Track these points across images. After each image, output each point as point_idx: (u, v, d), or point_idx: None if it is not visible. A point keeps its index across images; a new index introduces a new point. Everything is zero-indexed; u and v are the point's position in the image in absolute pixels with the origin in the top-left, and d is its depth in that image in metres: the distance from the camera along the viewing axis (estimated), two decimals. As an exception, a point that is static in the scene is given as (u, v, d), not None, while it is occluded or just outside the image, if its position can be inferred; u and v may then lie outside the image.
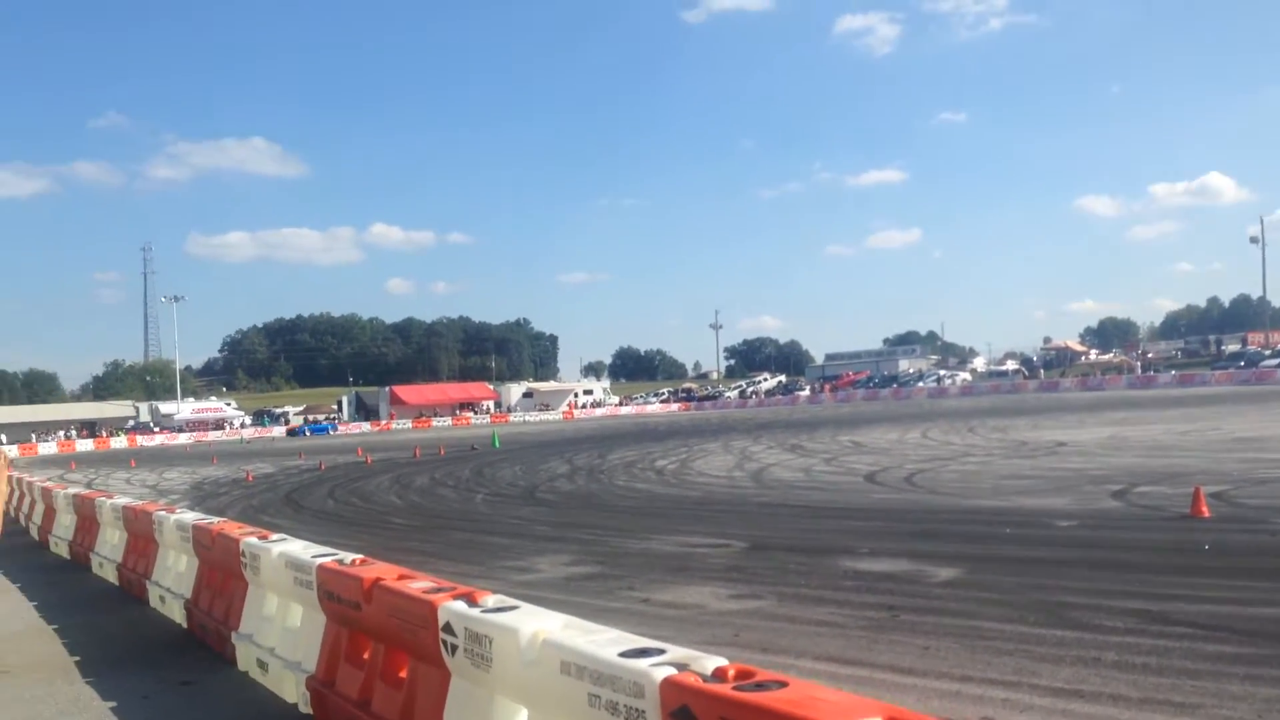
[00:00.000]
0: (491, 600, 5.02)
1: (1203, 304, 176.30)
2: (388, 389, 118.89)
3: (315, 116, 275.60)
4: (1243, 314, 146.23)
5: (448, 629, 4.92)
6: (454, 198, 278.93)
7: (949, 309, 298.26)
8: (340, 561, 6.43)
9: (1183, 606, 8.27)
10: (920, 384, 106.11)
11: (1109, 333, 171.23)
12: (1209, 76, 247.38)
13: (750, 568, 11.43)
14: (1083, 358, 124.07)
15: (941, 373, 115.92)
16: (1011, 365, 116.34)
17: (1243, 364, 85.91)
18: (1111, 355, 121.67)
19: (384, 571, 5.96)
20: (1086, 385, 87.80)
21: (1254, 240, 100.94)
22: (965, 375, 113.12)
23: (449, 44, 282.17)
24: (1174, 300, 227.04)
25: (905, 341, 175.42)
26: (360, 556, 6.52)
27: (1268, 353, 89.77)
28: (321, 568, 6.39)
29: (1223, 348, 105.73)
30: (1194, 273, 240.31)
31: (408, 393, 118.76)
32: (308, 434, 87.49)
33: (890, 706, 3.10)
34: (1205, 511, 12.95)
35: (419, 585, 5.52)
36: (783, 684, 3.37)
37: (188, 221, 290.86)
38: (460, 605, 4.95)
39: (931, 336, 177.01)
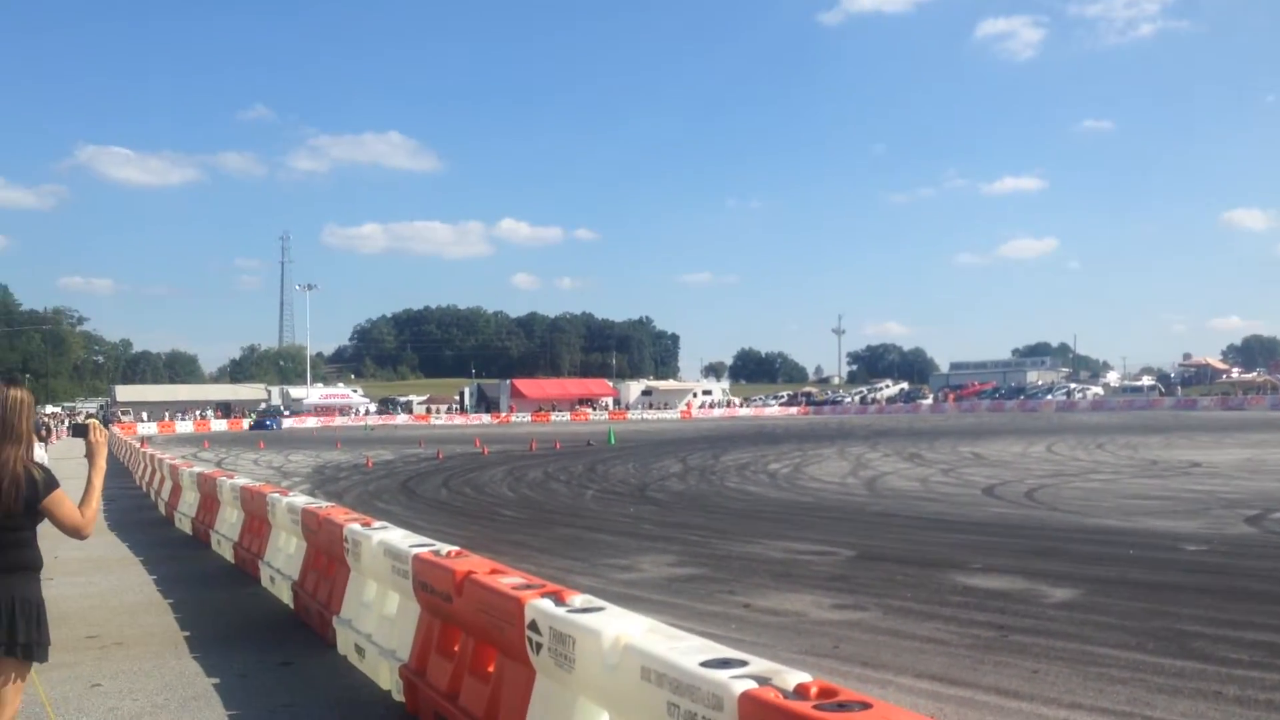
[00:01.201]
0: (579, 600, 4.95)
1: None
2: (509, 382, 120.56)
3: (450, 112, 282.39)
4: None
5: (533, 627, 4.87)
6: (583, 195, 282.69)
7: (1083, 321, 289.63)
8: (436, 552, 6.44)
9: (1317, 643, 7.78)
10: (1048, 397, 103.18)
11: (1254, 351, 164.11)
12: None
13: (856, 577, 11.16)
14: (1224, 376, 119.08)
15: (1072, 386, 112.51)
16: (1147, 381, 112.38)
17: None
18: (1255, 375, 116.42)
19: (477, 565, 5.95)
20: (1227, 405, 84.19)
21: None
22: (1097, 390, 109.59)
23: (583, 43, 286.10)
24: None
25: (1035, 353, 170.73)
26: (456, 548, 6.52)
27: None
28: (417, 558, 6.41)
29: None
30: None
31: (528, 386, 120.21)
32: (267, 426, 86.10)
33: (979, 736, 2.92)
34: (1348, 542, 12.21)
35: (509, 581, 5.49)
36: (866, 705, 3.22)
37: (325, 212, 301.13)
38: (547, 603, 4.89)
39: (1063, 349, 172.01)
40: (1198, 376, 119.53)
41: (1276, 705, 6.27)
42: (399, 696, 6.45)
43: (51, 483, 4.27)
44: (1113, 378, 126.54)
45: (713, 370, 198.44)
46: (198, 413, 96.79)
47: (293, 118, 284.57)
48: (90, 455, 4.53)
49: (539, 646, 4.81)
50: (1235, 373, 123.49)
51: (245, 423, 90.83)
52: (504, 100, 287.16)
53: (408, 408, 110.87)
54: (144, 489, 24.25)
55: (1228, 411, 76.74)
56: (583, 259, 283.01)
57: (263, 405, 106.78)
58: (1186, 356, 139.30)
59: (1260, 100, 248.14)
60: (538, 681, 4.95)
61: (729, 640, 7.95)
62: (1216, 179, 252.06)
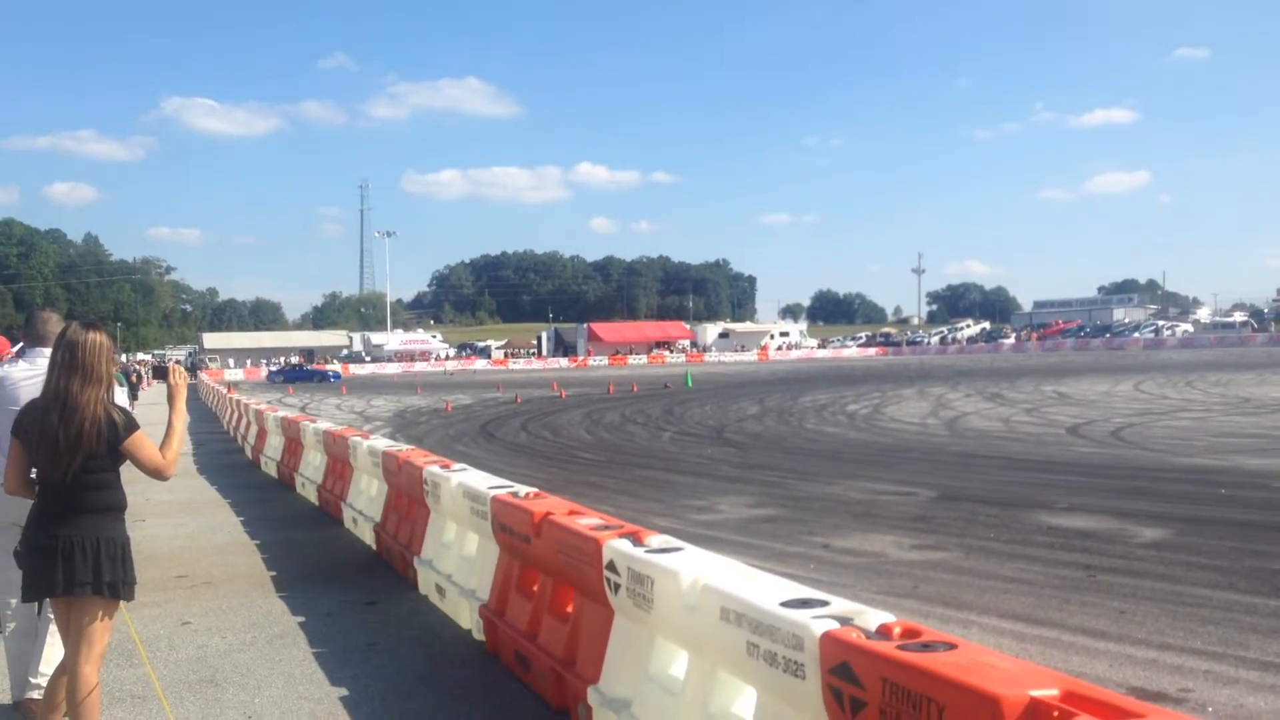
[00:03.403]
0: (657, 540, 4.94)
1: None
2: (585, 326, 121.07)
3: (528, 58, 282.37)
4: None
5: (611, 567, 4.87)
6: (660, 138, 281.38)
7: (1173, 257, 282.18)
8: (514, 494, 6.47)
9: None
10: (1135, 334, 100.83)
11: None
12: None
13: (937, 518, 11.03)
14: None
15: (1160, 323, 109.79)
16: (1240, 317, 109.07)
17: None
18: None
19: (555, 506, 5.97)
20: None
21: None
22: (1186, 326, 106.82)
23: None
24: None
25: (1122, 290, 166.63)
26: (535, 490, 6.55)
27: None
28: (495, 499, 6.45)
29: None
30: None
31: (605, 330, 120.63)
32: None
33: (1068, 678, 2.83)
34: None
35: (587, 522, 5.49)
36: (951, 645, 3.15)
37: (404, 159, 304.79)
38: (625, 544, 4.89)
39: (1151, 285, 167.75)
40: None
41: (1378, 647, 6.07)
42: (479, 636, 6.53)
43: (131, 425, 4.34)
44: (1203, 314, 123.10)
45: (790, 312, 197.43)
46: (282, 359, 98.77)
47: (372, 65, 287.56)
48: (171, 398, 4.60)
49: (617, 587, 4.81)
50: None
51: (262, 371, 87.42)
52: (581, 45, 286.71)
53: (486, 352, 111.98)
54: (231, 433, 24.85)
55: (1325, 347, 74.28)
56: (659, 202, 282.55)
57: (344, 352, 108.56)
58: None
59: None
60: (616, 621, 4.96)
61: (808, 581, 7.89)
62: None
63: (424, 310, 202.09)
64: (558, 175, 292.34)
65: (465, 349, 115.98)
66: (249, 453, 19.67)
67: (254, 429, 20.00)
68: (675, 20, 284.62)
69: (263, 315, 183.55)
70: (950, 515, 11.16)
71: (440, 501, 7.64)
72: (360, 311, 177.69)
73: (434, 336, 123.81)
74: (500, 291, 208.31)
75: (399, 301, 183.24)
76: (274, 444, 17.17)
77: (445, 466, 8.08)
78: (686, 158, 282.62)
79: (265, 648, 6.62)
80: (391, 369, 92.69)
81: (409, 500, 8.76)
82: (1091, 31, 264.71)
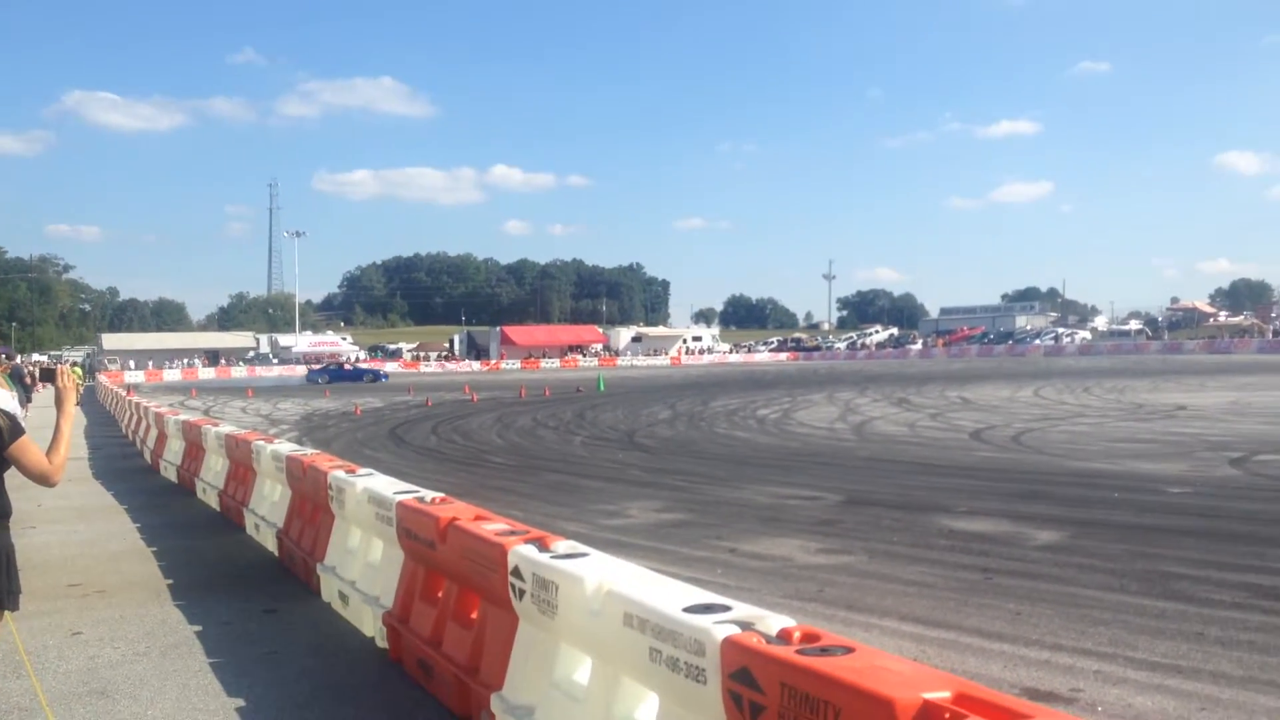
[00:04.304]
0: (563, 546, 4.93)
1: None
2: (498, 329, 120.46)
3: (444, 58, 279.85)
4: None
5: (516, 573, 4.86)
6: (576, 142, 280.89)
7: (1073, 266, 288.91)
8: (420, 499, 6.42)
9: (1299, 584, 7.82)
10: (1037, 341, 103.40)
11: (1241, 294, 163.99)
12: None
13: (843, 522, 11.20)
14: (1211, 319, 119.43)
15: (1060, 330, 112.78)
16: (1134, 325, 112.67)
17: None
18: (1242, 318, 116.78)
19: (461, 511, 5.93)
20: (1213, 348, 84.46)
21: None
22: (1085, 334, 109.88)
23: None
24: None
25: (1025, 298, 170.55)
26: (441, 495, 6.50)
27: None
28: (401, 504, 6.39)
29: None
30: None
31: (518, 333, 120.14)
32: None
33: (960, 680, 2.90)
34: (1331, 484, 12.28)
35: (493, 527, 5.46)
36: (849, 649, 3.20)
37: (315, 158, 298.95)
38: (530, 550, 4.87)
39: (1052, 293, 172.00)
40: (1185, 320, 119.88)
41: (1258, 646, 6.30)
42: (382, 643, 6.46)
43: (16, 429, 4.21)
44: (1101, 322, 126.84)
45: (703, 316, 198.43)
46: (185, 361, 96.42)
47: (284, 61, 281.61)
48: (58, 401, 4.46)
49: (522, 593, 4.79)
50: (1222, 316, 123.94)
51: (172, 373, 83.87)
52: (498, 46, 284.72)
53: (397, 355, 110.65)
54: (129, 437, 24.19)
55: (1214, 355, 77.03)
56: (575, 206, 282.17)
57: (251, 354, 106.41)
58: (1174, 300, 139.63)
59: (1256, 42, 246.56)
60: (521, 628, 4.94)
61: (715, 585, 7.98)
62: (1210, 122, 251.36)
63: (334, 312, 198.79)
64: (472, 177, 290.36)
65: (376, 351, 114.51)
66: (148, 457, 19.17)
67: (154, 433, 19.50)
68: (592, 25, 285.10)
69: (165, 316, 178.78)
70: (856, 519, 11.34)
71: (345, 507, 7.53)
72: (268, 313, 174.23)
73: (344, 339, 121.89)
74: (412, 294, 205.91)
75: (308, 303, 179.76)
76: (174, 448, 16.76)
77: (351, 471, 7.98)
78: (602, 162, 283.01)
79: (159, 658, 6.46)
80: (299, 371, 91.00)
81: (313, 506, 8.62)
82: (998, 44, 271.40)
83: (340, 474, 7.84)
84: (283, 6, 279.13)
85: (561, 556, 4.72)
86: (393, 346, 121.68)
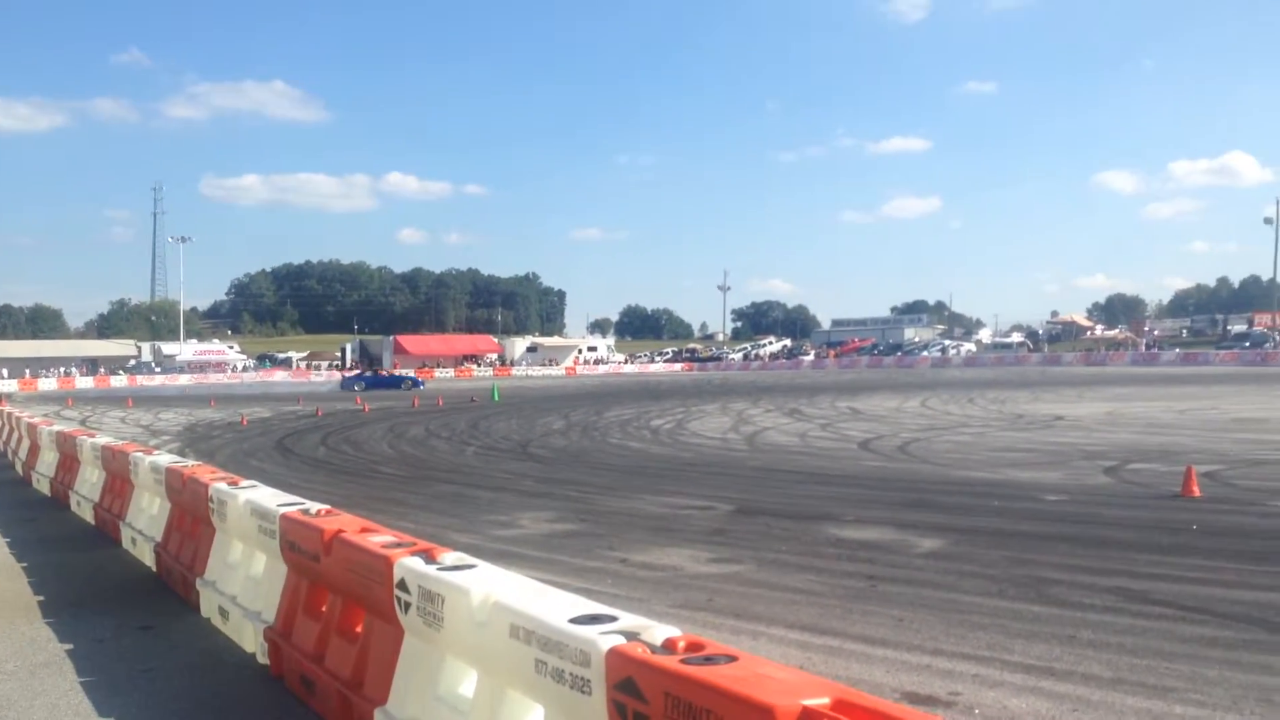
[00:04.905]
0: (450, 558, 4.89)
1: (1212, 283, 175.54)
2: (392, 338, 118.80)
3: (337, 62, 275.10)
4: (1252, 295, 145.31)
5: (402, 585, 4.80)
6: (473, 150, 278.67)
7: (960, 279, 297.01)
8: (305, 511, 6.30)
9: (1164, 586, 8.15)
10: (924, 353, 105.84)
11: (1116, 309, 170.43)
12: (1240, 53, 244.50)
13: (733, 531, 11.31)
14: (1088, 333, 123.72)
15: (946, 342, 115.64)
16: (1017, 338, 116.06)
17: (1248, 344, 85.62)
18: (1117, 331, 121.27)
19: (346, 524, 5.84)
20: (1089, 360, 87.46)
21: (1268, 221, 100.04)
22: (970, 346, 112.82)
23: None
24: (1185, 279, 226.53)
25: (913, 310, 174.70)
26: (326, 507, 6.39)
27: (1276, 334, 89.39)
28: (284, 517, 6.26)
29: (1228, 328, 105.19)
30: (1208, 252, 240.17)
31: (412, 343, 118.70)
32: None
33: (840, 686, 2.96)
34: (1196, 491, 12.80)
35: (379, 539, 5.39)
36: (732, 658, 3.24)
37: (202, 162, 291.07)
38: (416, 562, 4.82)
39: (940, 306, 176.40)
40: (1064, 333, 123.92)
41: (1126, 648, 6.55)
42: (263, 659, 6.31)
43: None
44: (985, 335, 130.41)
45: (599, 327, 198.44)
46: (62, 369, 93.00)
47: (170, 63, 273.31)
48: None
49: (407, 606, 4.74)
50: (1099, 329, 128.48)
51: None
52: (393, 52, 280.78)
53: (287, 364, 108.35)
54: (1, 449, 23.22)
55: (1090, 367, 79.79)
56: (471, 214, 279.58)
57: (132, 362, 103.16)
58: (1054, 314, 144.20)
59: (1135, 66, 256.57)
60: (406, 641, 4.89)
61: (605, 595, 7.99)
62: (1089, 142, 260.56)
63: (221, 320, 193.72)
64: (366, 184, 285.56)
65: (265, 360, 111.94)
66: (20, 470, 18.43)
67: (26, 444, 18.75)
68: (490, 32, 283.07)
69: (41, 323, 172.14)
70: (746, 529, 11.46)
71: (226, 520, 7.35)
72: (151, 320, 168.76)
73: (231, 347, 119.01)
74: (303, 302, 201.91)
75: (194, 310, 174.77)
76: (48, 460, 16.13)
77: (233, 483, 7.79)
78: (499, 171, 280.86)
79: (28, 678, 6.21)
80: (183, 381, 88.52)
81: (193, 519, 8.39)
82: (890, 63, 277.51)
83: (222, 486, 7.65)
84: (170, 6, 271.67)
85: (448, 568, 4.68)
86: (282, 355, 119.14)
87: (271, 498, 7.03)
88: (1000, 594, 8.09)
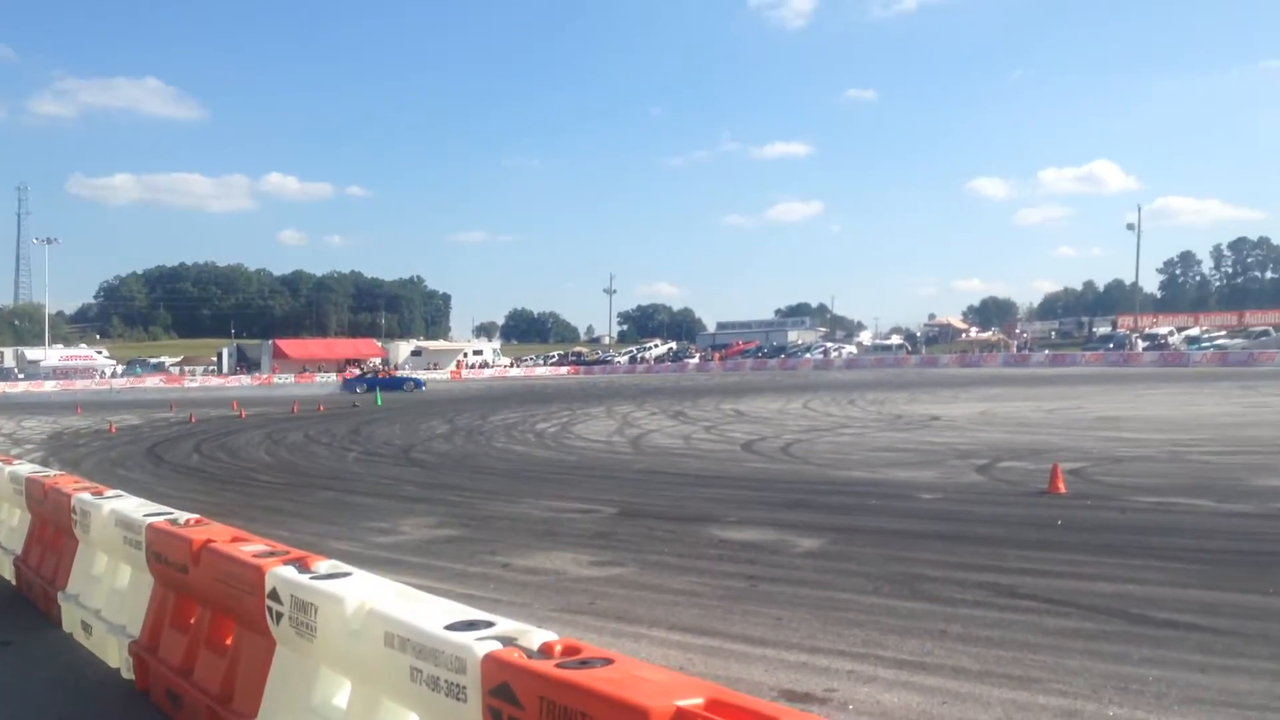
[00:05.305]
0: (324, 566, 4.80)
1: (1079, 287, 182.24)
2: (270, 342, 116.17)
3: (215, 60, 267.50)
4: (1116, 298, 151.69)
5: (274, 595, 4.70)
6: (356, 151, 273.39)
7: (842, 282, 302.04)
8: (173, 521, 6.12)
9: (1031, 580, 8.43)
10: (807, 355, 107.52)
11: (990, 311, 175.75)
12: (1104, 65, 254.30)
13: (617, 534, 11.34)
14: (963, 335, 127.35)
15: (828, 345, 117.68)
16: (896, 340, 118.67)
17: (1111, 346, 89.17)
18: (990, 333, 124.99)
19: (217, 533, 5.69)
20: (965, 362, 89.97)
21: (1130, 228, 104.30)
22: (851, 348, 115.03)
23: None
24: (1054, 282, 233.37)
25: (796, 313, 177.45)
26: (195, 516, 6.21)
27: (1136, 336, 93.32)
28: (151, 527, 6.07)
29: (1094, 330, 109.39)
30: (1075, 257, 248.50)
31: (291, 347, 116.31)
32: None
33: (715, 686, 2.99)
34: (1062, 488, 13.28)
35: (251, 549, 5.26)
36: (608, 661, 3.25)
37: (71, 161, 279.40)
38: (289, 571, 4.72)
39: (822, 309, 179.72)
40: (941, 335, 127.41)
41: (994, 641, 6.76)
42: (128, 674, 6.11)
43: None
44: (865, 337, 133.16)
45: (484, 330, 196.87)
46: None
47: (37, 58, 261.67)
48: None
49: (280, 616, 4.64)
50: (973, 332, 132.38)
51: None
52: (273, 50, 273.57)
53: (160, 369, 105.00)
54: None
55: (965, 368, 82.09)
56: (353, 216, 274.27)
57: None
58: (931, 317, 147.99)
59: (1008, 75, 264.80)
60: (278, 652, 4.78)
61: (486, 601, 7.94)
62: (964, 149, 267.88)
63: (89, 324, 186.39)
64: (244, 184, 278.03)
65: (136, 366, 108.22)
66: None
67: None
68: (373, 33, 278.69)
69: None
70: (629, 531, 11.51)
71: (90, 531, 7.09)
72: (14, 325, 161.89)
73: (100, 352, 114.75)
74: (177, 305, 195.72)
75: (60, 314, 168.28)
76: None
77: (98, 493, 7.51)
78: (383, 172, 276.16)
79: (-127, 701, 5.91)
80: (49, 387, 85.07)
81: (55, 530, 8.07)
82: (773, 69, 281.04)
83: (86, 496, 7.37)
84: (37, 1, 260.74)
85: (322, 577, 4.59)
86: (154, 360, 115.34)
87: (138, 507, 6.81)
88: (876, 591, 8.28)
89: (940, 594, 8.09)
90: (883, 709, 5.60)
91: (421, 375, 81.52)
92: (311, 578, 4.59)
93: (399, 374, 72.86)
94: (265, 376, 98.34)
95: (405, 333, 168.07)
